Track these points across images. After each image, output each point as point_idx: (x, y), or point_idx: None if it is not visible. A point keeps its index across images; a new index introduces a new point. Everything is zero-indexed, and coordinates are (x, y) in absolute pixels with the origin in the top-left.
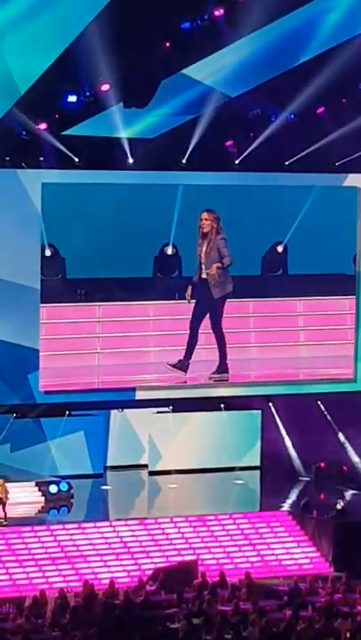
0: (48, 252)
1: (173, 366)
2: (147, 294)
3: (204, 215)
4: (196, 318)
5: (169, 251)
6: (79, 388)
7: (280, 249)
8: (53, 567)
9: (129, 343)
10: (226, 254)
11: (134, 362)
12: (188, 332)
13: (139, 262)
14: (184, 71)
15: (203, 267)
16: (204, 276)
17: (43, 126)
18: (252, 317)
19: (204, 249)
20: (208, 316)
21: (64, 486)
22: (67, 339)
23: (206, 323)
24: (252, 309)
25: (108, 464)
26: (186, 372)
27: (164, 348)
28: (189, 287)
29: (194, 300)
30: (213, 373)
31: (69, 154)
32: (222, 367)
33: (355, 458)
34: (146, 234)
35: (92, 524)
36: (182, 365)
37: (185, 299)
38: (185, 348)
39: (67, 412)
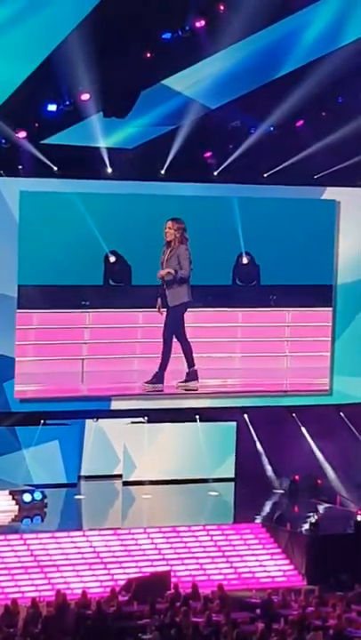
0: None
1: (149, 383)
2: (118, 301)
3: (168, 224)
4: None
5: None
6: (54, 396)
7: (245, 260)
8: (26, 576)
9: (107, 351)
10: (185, 267)
11: (111, 369)
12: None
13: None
14: (164, 82)
15: None
16: None
17: (22, 135)
18: (228, 328)
19: (166, 257)
20: (165, 323)
21: (38, 495)
22: (43, 345)
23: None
24: (228, 320)
25: (83, 474)
26: (162, 383)
27: (142, 355)
28: (159, 298)
29: (164, 310)
30: (181, 382)
31: (48, 162)
32: (191, 375)
33: (329, 471)
34: (122, 243)
35: (65, 534)
36: (158, 379)
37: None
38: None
39: (41, 422)
